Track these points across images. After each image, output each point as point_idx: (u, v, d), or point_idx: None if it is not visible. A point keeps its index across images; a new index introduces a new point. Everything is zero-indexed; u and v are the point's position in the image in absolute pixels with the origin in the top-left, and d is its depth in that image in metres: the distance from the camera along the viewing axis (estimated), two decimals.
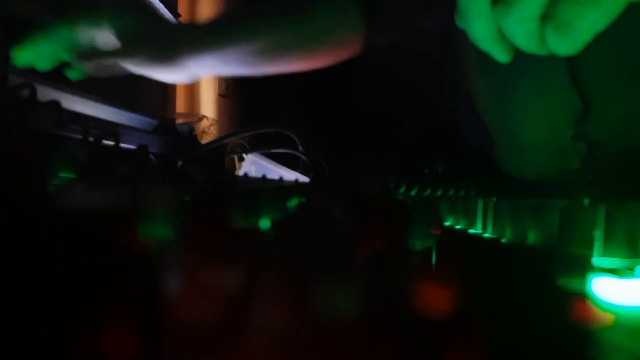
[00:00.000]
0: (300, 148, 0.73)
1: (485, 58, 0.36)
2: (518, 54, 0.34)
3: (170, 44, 0.54)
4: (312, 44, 0.62)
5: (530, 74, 0.54)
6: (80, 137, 0.38)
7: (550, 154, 0.55)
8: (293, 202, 0.42)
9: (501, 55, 0.35)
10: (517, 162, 0.60)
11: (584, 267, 0.18)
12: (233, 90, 1.43)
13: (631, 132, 0.48)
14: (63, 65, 0.53)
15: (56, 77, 0.50)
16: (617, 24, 0.45)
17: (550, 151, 0.55)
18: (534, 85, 0.54)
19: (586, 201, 0.35)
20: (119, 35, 0.52)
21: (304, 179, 0.79)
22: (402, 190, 0.61)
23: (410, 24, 0.62)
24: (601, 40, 0.47)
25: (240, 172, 0.83)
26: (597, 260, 0.27)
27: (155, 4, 0.69)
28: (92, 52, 0.52)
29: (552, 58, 0.51)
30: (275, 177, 0.67)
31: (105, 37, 0.53)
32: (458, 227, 0.39)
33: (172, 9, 0.75)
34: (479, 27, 0.34)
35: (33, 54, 0.49)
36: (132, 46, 0.52)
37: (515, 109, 0.58)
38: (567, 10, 0.30)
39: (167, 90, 1.06)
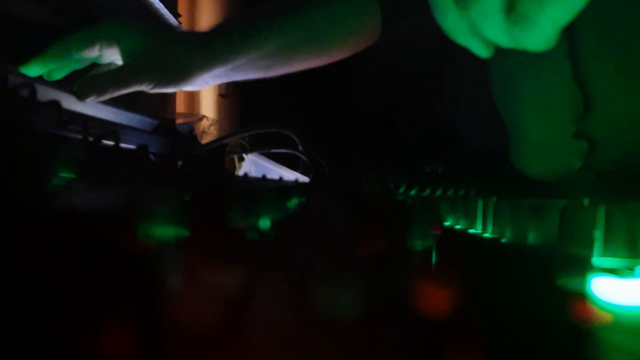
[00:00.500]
0: (300, 148, 0.73)
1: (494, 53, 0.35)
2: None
3: (182, 66, 0.50)
4: (326, 37, 0.58)
5: (532, 70, 0.54)
6: (80, 137, 0.38)
7: (552, 152, 0.55)
8: (293, 202, 0.42)
9: (479, 50, 0.35)
10: (523, 158, 0.60)
11: (584, 267, 0.18)
12: (233, 90, 1.43)
13: (633, 133, 0.48)
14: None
15: None
16: (615, 22, 0.44)
17: (552, 149, 0.55)
18: (536, 80, 0.54)
19: (586, 201, 0.35)
20: (127, 58, 0.48)
21: (304, 179, 0.79)
22: (402, 190, 0.61)
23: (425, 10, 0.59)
24: (599, 38, 0.46)
25: (240, 172, 0.83)
26: (597, 260, 0.27)
27: (155, 4, 0.68)
28: (95, 80, 0.47)
29: (554, 54, 0.51)
30: (275, 177, 0.67)
31: (111, 58, 0.50)
32: (458, 227, 0.39)
33: (172, 9, 0.75)
34: (450, 21, 0.33)
35: (42, 70, 0.46)
36: (141, 72, 0.48)
37: (518, 105, 0.58)
38: (526, 3, 0.29)
39: None
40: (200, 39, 0.52)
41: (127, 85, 0.47)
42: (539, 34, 0.30)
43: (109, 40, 0.48)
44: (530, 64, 0.53)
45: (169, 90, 0.51)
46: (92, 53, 0.49)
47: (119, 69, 0.49)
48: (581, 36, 0.48)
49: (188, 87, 0.53)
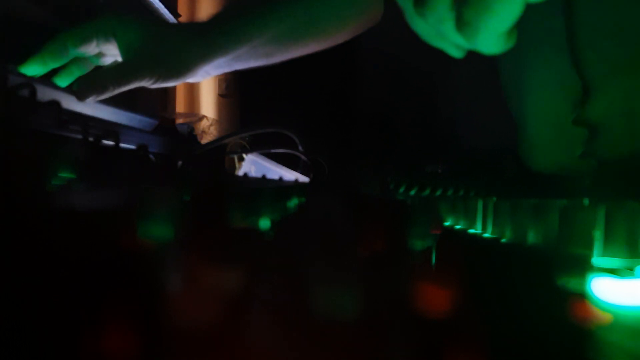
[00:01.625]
0: (300, 148, 0.73)
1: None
2: (523, 34, 0.35)
3: (182, 59, 0.49)
4: (328, 19, 0.57)
5: (535, 56, 0.54)
6: (80, 137, 0.38)
7: (555, 138, 0.55)
8: (293, 202, 0.42)
9: (451, 51, 0.36)
10: (529, 150, 0.60)
11: (584, 267, 0.18)
12: (233, 90, 1.43)
13: (630, 123, 0.48)
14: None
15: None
16: (615, 15, 0.45)
17: (554, 135, 0.55)
18: (538, 66, 0.55)
19: (586, 201, 0.35)
20: (126, 53, 0.47)
21: (304, 179, 0.79)
22: (402, 190, 0.61)
23: None
24: (598, 29, 0.47)
25: (240, 172, 0.83)
26: (597, 260, 0.27)
27: (155, 4, 0.68)
28: (94, 78, 0.46)
29: (555, 41, 0.51)
30: (275, 177, 0.67)
31: (110, 54, 0.50)
32: (458, 227, 0.39)
33: (172, 9, 0.75)
34: (418, 26, 0.35)
35: (42, 69, 0.46)
36: (141, 68, 0.47)
37: (524, 93, 0.58)
38: (468, 12, 0.32)
39: (167, 90, 1.06)
40: (199, 30, 0.52)
41: (127, 82, 0.47)
42: (485, 40, 0.33)
43: (106, 35, 0.47)
44: (533, 48, 0.54)
45: (170, 84, 0.51)
46: (89, 49, 0.48)
47: (118, 65, 0.48)
48: (579, 26, 0.48)
49: (189, 79, 0.52)
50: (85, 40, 0.47)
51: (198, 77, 0.53)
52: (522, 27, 0.33)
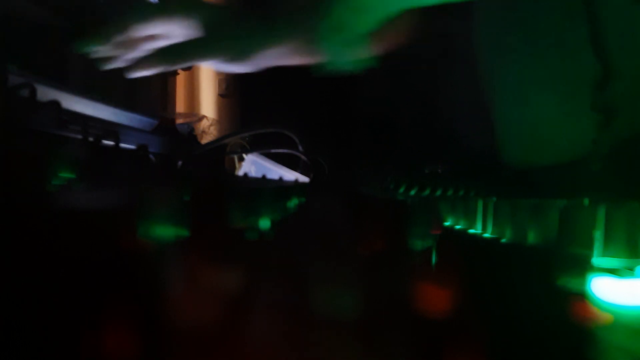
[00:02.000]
0: (300, 148, 0.73)
1: (500, 28, 0.37)
2: (536, 14, 0.36)
3: (252, 42, 0.53)
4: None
5: (550, 36, 0.54)
6: (80, 137, 0.38)
7: (565, 124, 0.54)
8: (293, 202, 0.42)
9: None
10: (526, 143, 0.59)
11: (584, 267, 0.18)
12: (233, 90, 1.42)
13: None
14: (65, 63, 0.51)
15: (56, 77, 0.50)
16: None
17: (565, 121, 0.54)
18: (551, 48, 0.54)
19: (586, 201, 0.35)
20: (205, 31, 0.51)
21: (304, 179, 0.79)
22: (402, 190, 0.61)
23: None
24: (621, 14, 0.47)
25: (240, 172, 0.83)
26: (597, 260, 0.27)
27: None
28: (173, 51, 0.50)
29: (570, 19, 0.51)
30: (275, 177, 0.67)
31: (174, 35, 0.52)
32: (458, 227, 0.39)
33: None
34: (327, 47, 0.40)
35: (103, 41, 0.48)
36: (217, 44, 0.51)
37: (527, 77, 0.57)
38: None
39: (167, 90, 1.06)
40: (268, 16, 0.55)
41: (203, 55, 0.50)
42: (335, 56, 0.39)
43: (179, 13, 0.50)
44: (546, 28, 0.53)
45: (235, 68, 0.54)
46: (155, 29, 0.50)
47: (197, 40, 0.51)
48: (602, 11, 0.48)
49: (252, 67, 0.55)
50: (164, 16, 0.50)
51: (260, 64, 0.55)
52: (496, 32, 0.35)
